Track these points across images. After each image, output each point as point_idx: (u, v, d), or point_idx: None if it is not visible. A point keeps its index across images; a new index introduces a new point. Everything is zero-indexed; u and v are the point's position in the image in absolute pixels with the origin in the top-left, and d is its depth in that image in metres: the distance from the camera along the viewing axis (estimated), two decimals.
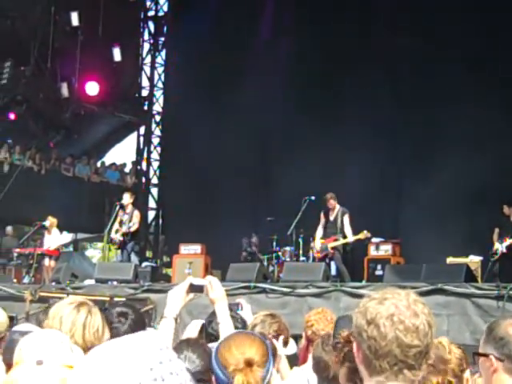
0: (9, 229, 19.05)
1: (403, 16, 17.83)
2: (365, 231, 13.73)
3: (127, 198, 15.71)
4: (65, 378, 1.96)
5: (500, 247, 13.54)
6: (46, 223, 16.36)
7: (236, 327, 4.30)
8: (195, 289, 3.75)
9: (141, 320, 4.13)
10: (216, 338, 4.26)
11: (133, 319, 3.98)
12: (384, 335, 2.16)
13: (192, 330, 4.35)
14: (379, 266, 14.04)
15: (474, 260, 13.88)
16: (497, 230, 13.82)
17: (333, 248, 13.88)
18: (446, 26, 17.13)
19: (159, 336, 1.92)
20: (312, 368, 3.83)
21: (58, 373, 1.94)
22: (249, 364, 2.84)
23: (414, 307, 2.19)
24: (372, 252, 14.68)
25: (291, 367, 5.06)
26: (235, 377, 2.79)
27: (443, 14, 17.26)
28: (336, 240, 13.86)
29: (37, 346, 2.44)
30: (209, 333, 4.37)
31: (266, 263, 15.67)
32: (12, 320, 7.59)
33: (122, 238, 15.41)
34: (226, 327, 3.68)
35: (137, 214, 15.69)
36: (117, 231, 15.48)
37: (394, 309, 2.18)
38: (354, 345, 2.27)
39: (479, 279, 12.85)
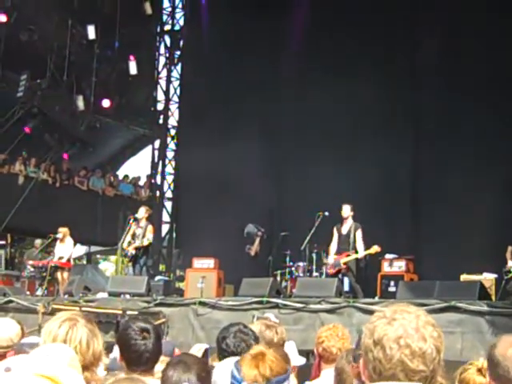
0: (37, 242, 18.96)
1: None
2: (375, 246, 13.65)
3: (142, 212, 15.68)
4: None
5: None
6: (59, 235, 16.45)
7: (249, 344, 4.36)
8: None
9: (160, 335, 4.13)
10: (229, 354, 4.31)
11: (156, 334, 3.99)
12: (389, 358, 2.11)
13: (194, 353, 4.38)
14: (392, 283, 13.97)
15: (488, 277, 13.82)
16: (510, 248, 13.79)
17: (345, 263, 13.85)
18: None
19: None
20: (334, 380, 3.84)
21: (28, 381, 1.96)
22: (262, 353, 2.84)
23: (422, 330, 2.14)
24: (385, 268, 14.63)
25: (302, 381, 5.10)
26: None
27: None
28: (348, 255, 13.85)
29: (18, 357, 2.44)
30: (222, 348, 4.42)
31: (279, 278, 15.66)
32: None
33: (134, 252, 15.41)
34: None
35: (150, 229, 15.61)
36: (129, 243, 15.48)
37: (402, 331, 2.13)
38: (361, 361, 2.24)
39: (493, 297, 12.81)
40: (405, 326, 2.14)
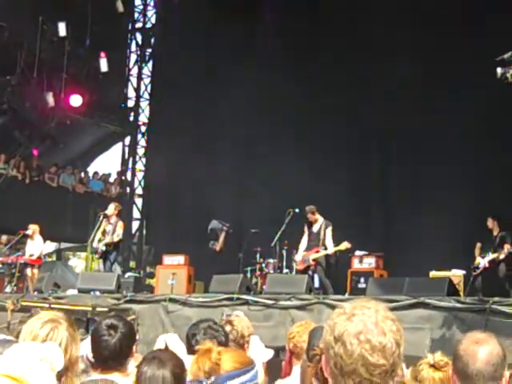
0: (3, 238, 18.75)
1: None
2: (345, 242, 13.66)
3: (112, 209, 15.67)
4: None
5: (482, 261, 13.59)
6: (29, 232, 16.30)
7: (220, 341, 4.29)
8: None
9: (131, 333, 4.07)
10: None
11: (122, 332, 3.94)
12: (350, 353, 2.12)
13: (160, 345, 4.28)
14: (362, 279, 13.98)
15: (456, 274, 13.88)
16: (479, 245, 13.89)
17: (314, 260, 13.83)
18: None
19: None
20: (299, 378, 3.78)
21: None
22: (209, 349, 2.80)
23: (382, 325, 2.14)
24: (355, 265, 14.63)
25: (272, 376, 5.03)
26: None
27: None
28: (318, 252, 13.81)
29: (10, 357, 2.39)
30: (192, 345, 4.35)
31: (249, 275, 15.59)
32: None
33: (104, 248, 15.31)
34: None
35: (120, 225, 15.61)
36: (99, 240, 15.39)
37: (362, 326, 2.13)
38: (323, 359, 2.24)
39: (462, 293, 12.84)
40: (364, 322, 2.15)
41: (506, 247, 13.42)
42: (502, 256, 13.45)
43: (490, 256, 13.58)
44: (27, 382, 1.99)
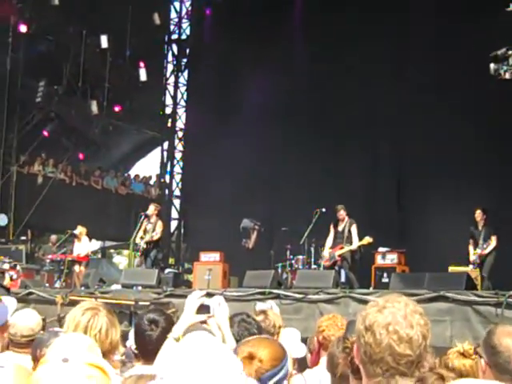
0: (53, 237, 19.03)
1: None
2: (367, 237, 13.71)
3: (152, 209, 15.79)
4: (90, 375, 2.01)
5: (474, 258, 13.59)
6: (76, 231, 16.53)
7: (252, 333, 4.34)
8: (203, 310, 3.77)
9: (170, 326, 4.00)
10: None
11: (163, 327, 3.95)
12: (379, 342, 2.17)
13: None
14: (385, 274, 13.99)
15: (474, 269, 13.86)
16: (471, 241, 13.82)
17: (340, 256, 13.92)
18: None
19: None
20: (326, 365, 3.82)
21: (83, 370, 2.01)
22: (250, 356, 2.87)
23: (410, 318, 2.19)
24: (379, 261, 14.66)
25: (303, 369, 5.07)
26: None
27: None
28: (342, 248, 13.91)
29: (62, 347, 2.50)
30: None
31: (280, 271, 15.69)
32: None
33: (144, 246, 15.48)
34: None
35: (160, 224, 15.74)
36: (141, 238, 15.56)
37: (391, 318, 2.18)
38: (355, 346, 2.30)
39: (479, 287, 12.84)
40: (394, 314, 2.19)
41: (492, 240, 13.40)
42: (487, 251, 13.46)
43: (478, 251, 13.58)
44: (106, 370, 2.08)
